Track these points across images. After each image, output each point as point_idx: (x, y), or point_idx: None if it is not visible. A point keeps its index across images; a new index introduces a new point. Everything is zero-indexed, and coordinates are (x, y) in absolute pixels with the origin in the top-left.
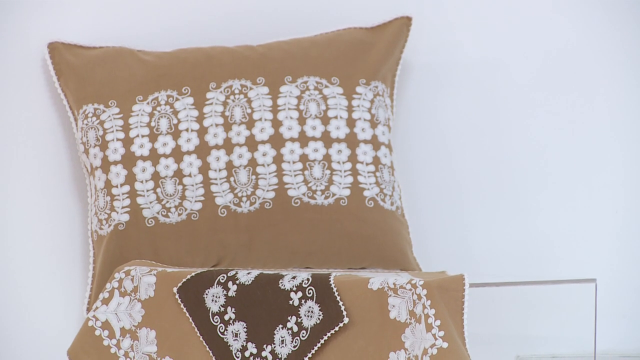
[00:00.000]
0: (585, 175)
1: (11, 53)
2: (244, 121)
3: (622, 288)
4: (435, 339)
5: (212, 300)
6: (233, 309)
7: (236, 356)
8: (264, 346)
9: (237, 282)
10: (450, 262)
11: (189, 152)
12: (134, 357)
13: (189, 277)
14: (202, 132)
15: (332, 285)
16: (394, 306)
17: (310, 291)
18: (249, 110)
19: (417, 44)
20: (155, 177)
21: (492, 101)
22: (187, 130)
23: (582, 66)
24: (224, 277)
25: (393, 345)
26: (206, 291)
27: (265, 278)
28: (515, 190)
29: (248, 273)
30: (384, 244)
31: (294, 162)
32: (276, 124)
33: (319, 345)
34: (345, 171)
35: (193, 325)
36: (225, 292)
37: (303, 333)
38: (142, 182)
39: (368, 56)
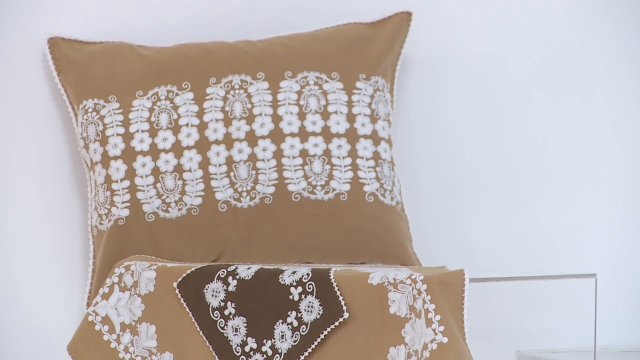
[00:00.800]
0: (586, 170)
1: (11, 48)
2: (244, 116)
3: (622, 283)
4: (435, 333)
5: (212, 295)
6: (233, 303)
7: (236, 351)
8: (264, 341)
9: (237, 277)
10: (450, 257)
11: (189, 147)
12: (134, 352)
13: (189, 272)
14: (202, 127)
15: (332, 280)
16: (394, 301)
17: (310, 286)
18: (249, 106)
19: (418, 39)
20: (155, 172)
21: (493, 96)
22: (187, 125)
23: (583, 61)
24: (224, 272)
25: (393, 340)
26: (206, 286)
27: (265, 273)
28: (515, 185)
29: (248, 268)
30: (384, 239)
31: (294, 157)
32: (276, 119)
33: (319, 340)
34: (345, 166)
35: (193, 320)
36: (225, 287)
37: (303, 328)
38: (142, 177)
39: (368, 51)
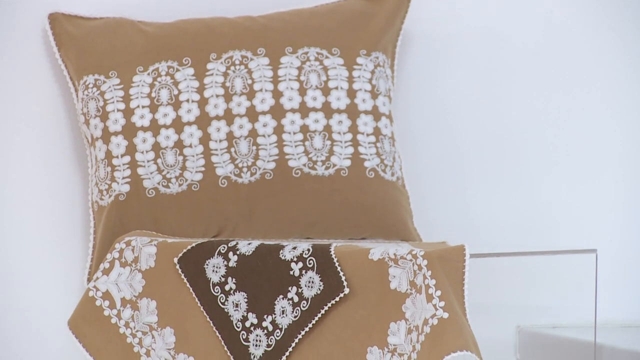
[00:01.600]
0: (586, 146)
1: (12, 24)
2: (244, 92)
3: (622, 258)
4: (436, 309)
5: (213, 271)
6: (234, 279)
7: (237, 326)
8: (265, 316)
9: (238, 252)
10: (451, 233)
11: (189, 123)
12: (134, 327)
13: (189, 247)
14: (202, 103)
15: (333, 256)
16: (394, 276)
17: (311, 261)
18: (249, 81)
19: (418, 15)
20: (156, 147)
21: (494, 71)
22: (187, 101)
23: (585, 35)
24: (224, 247)
25: (393, 315)
26: (207, 261)
27: (266, 248)
28: (516, 160)
29: (249, 243)
30: (384, 214)
31: (294, 133)
32: (277, 94)
33: (319, 315)
34: (345, 142)
35: (194, 295)
36: (225, 262)
37: (303, 303)
38: (142, 152)
39: (368, 27)
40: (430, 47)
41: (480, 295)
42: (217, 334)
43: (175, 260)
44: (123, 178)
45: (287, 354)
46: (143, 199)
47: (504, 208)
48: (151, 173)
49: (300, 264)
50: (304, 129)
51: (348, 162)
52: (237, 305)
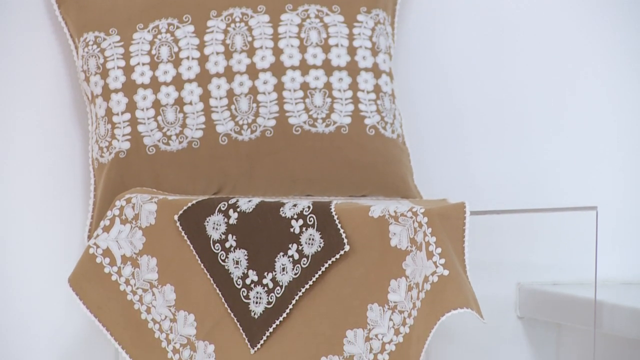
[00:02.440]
0: (587, 103)
1: None
2: (244, 49)
3: (623, 216)
4: (436, 266)
5: (213, 228)
6: (234, 236)
7: (237, 283)
8: (265, 274)
9: (238, 209)
10: (452, 190)
11: (189, 80)
12: (134, 285)
13: (189, 204)
14: (202, 60)
15: (333, 213)
16: (394, 234)
17: (311, 219)
18: (249, 39)
19: None
20: (156, 105)
21: (494, 29)
22: (187, 58)
23: None
24: (224, 204)
25: (394, 272)
26: (207, 219)
27: (266, 206)
28: (516, 117)
29: (249, 201)
30: (385, 171)
31: (294, 90)
32: (277, 52)
33: (319, 272)
34: (346, 99)
35: (194, 252)
36: (226, 219)
37: (304, 261)
38: (142, 110)
39: None
40: (431, 4)
41: (481, 253)
42: (218, 291)
43: (176, 217)
44: (123, 135)
45: (288, 311)
46: (143, 156)
47: (505, 165)
48: (151, 130)
49: (301, 222)
50: (304, 86)
51: (348, 120)
52: (237, 263)
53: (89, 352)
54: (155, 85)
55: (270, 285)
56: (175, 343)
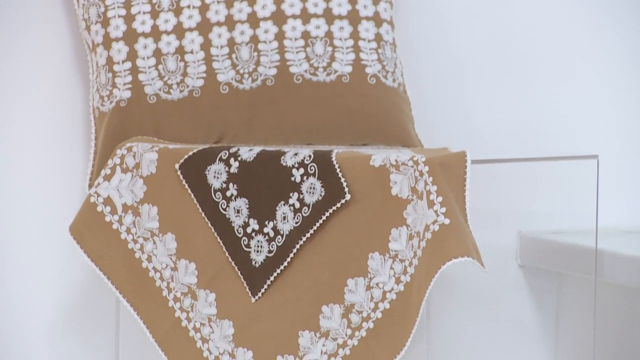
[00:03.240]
0: (588, 51)
1: None
2: None
3: (624, 164)
4: (437, 215)
5: (214, 177)
6: (235, 185)
7: (238, 232)
8: (266, 222)
9: (239, 158)
10: (453, 139)
11: (190, 29)
12: (135, 233)
13: (190, 153)
14: (203, 8)
15: (334, 162)
16: (395, 183)
17: (312, 168)
18: None
19: None
20: (157, 53)
21: None
22: (188, 7)
23: None
24: (225, 153)
25: (395, 221)
26: (208, 168)
27: (267, 155)
28: (517, 66)
29: (250, 150)
30: (385, 120)
31: (295, 39)
32: (278, 0)
33: (320, 221)
34: (347, 48)
35: (195, 201)
36: (227, 168)
37: (305, 209)
38: (143, 58)
39: None
40: None
41: (482, 201)
42: (219, 240)
43: (177, 166)
44: (124, 84)
45: (289, 260)
46: (144, 105)
47: (506, 114)
48: (152, 79)
49: (302, 170)
50: (305, 35)
51: (349, 69)
52: (238, 212)
53: (89, 300)
54: (156, 34)
55: (271, 234)
56: (176, 292)
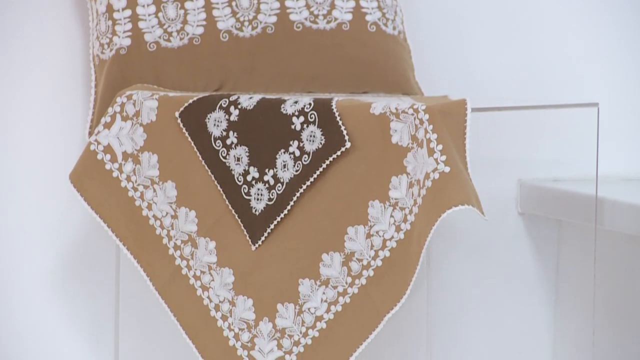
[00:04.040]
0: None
1: None
2: None
3: (624, 112)
4: (437, 163)
5: (214, 125)
6: (235, 133)
7: (238, 180)
8: (266, 170)
9: (239, 106)
10: (453, 87)
11: None
12: (135, 181)
13: (190, 101)
14: None
15: (334, 110)
16: (396, 131)
17: (312, 115)
18: None
19: None
20: (157, 1)
21: None
22: None
23: None
24: (225, 101)
25: (395, 169)
26: (208, 115)
27: (267, 103)
28: (518, 13)
29: (250, 97)
30: (386, 68)
31: None
32: None
33: (321, 169)
34: None
35: (195, 149)
36: (227, 116)
37: (305, 157)
38: (143, 6)
39: None
40: None
41: (482, 149)
42: (219, 188)
43: (177, 114)
44: (124, 32)
45: (289, 207)
46: (144, 52)
47: (507, 62)
48: (152, 27)
49: (302, 118)
50: None
51: (349, 16)
52: (238, 159)
53: (89, 248)
54: None
55: (272, 182)
56: (176, 240)
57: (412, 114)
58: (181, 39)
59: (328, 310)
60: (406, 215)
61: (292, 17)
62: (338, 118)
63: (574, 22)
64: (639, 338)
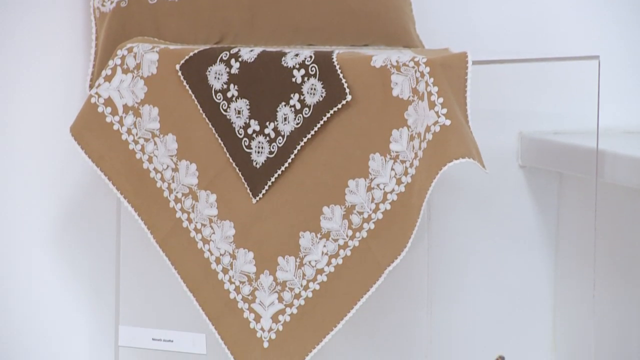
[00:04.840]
0: None
1: None
2: None
3: (625, 65)
4: (438, 116)
5: (215, 78)
6: (236, 86)
7: (239, 133)
8: (267, 123)
9: (240, 59)
10: (454, 40)
11: None
12: (136, 134)
13: (191, 54)
14: None
15: (335, 63)
16: (396, 84)
17: (313, 68)
18: None
19: None
20: None
21: None
22: None
23: None
24: (226, 54)
25: (396, 122)
26: (209, 68)
27: (268, 55)
28: None
29: (250, 50)
30: (387, 20)
31: None
32: None
33: (321, 122)
34: None
35: (195, 102)
36: (227, 69)
37: (306, 110)
38: None
39: None
40: None
41: (483, 102)
42: (219, 141)
43: (177, 67)
44: None
45: (289, 160)
46: (145, 5)
47: (508, 14)
48: None
49: (303, 71)
50: None
51: None
52: (239, 112)
53: (90, 201)
54: None
55: (272, 134)
56: (177, 192)
57: (413, 67)
58: None
59: (329, 263)
60: (407, 168)
61: None
62: (339, 71)
63: None
64: (638, 289)
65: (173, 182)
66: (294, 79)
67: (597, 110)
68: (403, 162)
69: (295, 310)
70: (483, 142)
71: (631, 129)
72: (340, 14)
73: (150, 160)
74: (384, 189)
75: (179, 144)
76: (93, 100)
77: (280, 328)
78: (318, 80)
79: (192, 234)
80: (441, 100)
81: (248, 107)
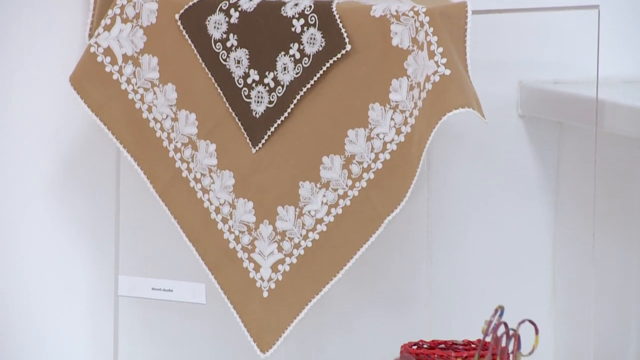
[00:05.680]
0: None
1: None
2: None
3: (625, 15)
4: (438, 66)
5: (214, 27)
6: (235, 35)
7: (238, 83)
8: (266, 73)
9: (239, 9)
10: None
11: None
12: (136, 84)
13: (190, 3)
14: None
15: (335, 13)
16: (396, 33)
17: (313, 18)
18: None
19: None
20: None
21: None
22: None
23: None
24: (226, 4)
25: (395, 72)
26: (208, 18)
27: (268, 5)
28: None
29: (250, 0)
30: None
31: None
32: None
33: (321, 72)
34: None
35: (195, 52)
36: (227, 19)
37: (305, 60)
38: None
39: None
40: None
41: (482, 52)
42: (219, 90)
43: (177, 16)
44: None
45: (289, 110)
46: None
47: None
48: None
49: (302, 21)
50: None
51: None
52: (238, 62)
53: (90, 151)
54: None
55: (272, 84)
56: (176, 142)
57: (413, 17)
58: None
59: (328, 213)
60: (406, 118)
61: None
62: (338, 21)
63: None
64: (638, 239)
65: (172, 131)
66: (293, 29)
67: (596, 59)
68: (403, 111)
69: (294, 260)
70: (483, 91)
71: (631, 79)
72: None
73: (149, 109)
74: (383, 138)
75: (178, 94)
76: (92, 49)
77: (280, 278)
78: (317, 29)
79: (192, 183)
80: (441, 49)
81: (247, 56)
